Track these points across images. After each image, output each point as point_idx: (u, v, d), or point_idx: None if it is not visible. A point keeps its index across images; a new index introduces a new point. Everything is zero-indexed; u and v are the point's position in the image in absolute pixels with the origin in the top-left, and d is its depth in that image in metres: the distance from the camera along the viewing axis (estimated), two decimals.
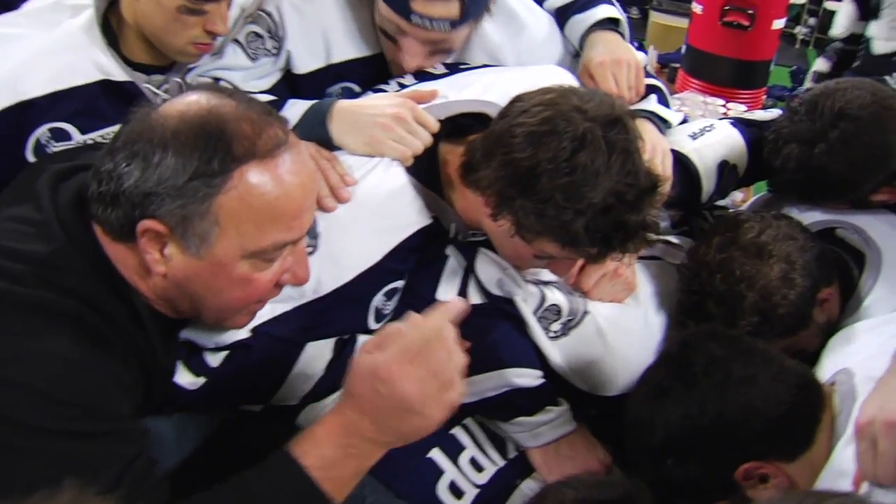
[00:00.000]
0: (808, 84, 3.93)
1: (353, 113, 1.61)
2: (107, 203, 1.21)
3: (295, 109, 1.64)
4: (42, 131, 1.61)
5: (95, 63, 1.66)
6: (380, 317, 1.61)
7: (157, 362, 1.34)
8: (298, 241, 1.30)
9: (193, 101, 1.21)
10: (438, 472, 1.65)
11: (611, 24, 1.99)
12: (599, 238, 1.43)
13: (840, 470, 1.27)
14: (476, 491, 1.64)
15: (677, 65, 4.45)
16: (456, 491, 1.64)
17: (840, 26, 3.69)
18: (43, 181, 1.30)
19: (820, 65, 3.78)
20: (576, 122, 1.40)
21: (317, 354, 1.56)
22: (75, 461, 1.12)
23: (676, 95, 3.72)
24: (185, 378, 1.48)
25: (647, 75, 2.05)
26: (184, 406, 1.52)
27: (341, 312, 1.56)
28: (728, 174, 2.04)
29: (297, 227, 1.27)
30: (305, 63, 1.87)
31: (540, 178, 1.40)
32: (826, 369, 1.53)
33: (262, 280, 1.29)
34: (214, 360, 1.49)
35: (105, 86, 1.70)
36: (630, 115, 1.49)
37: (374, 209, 1.55)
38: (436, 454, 1.65)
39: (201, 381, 1.48)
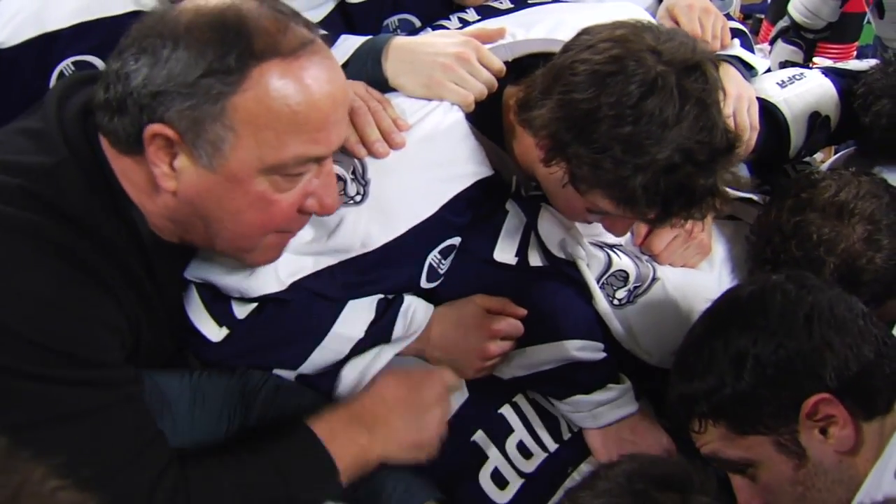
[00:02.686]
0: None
1: (410, 51, 1.49)
2: (114, 109, 1.13)
3: (346, 45, 1.53)
4: (66, 64, 1.53)
5: None
6: (434, 276, 1.51)
7: (160, 293, 1.26)
8: (325, 159, 1.20)
9: None
10: (482, 458, 1.53)
11: None
12: (659, 200, 1.31)
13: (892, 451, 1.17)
14: (521, 482, 1.52)
15: (762, 15, 4.27)
16: (499, 480, 1.52)
17: (811, 14, 3.18)
18: (52, 91, 1.22)
19: (790, 53, 3.30)
20: (647, 64, 1.27)
21: (357, 314, 1.47)
22: (51, 407, 1.08)
23: (758, 46, 3.50)
24: (207, 327, 1.39)
25: (731, 19, 1.96)
26: (204, 359, 1.44)
27: (391, 269, 1.46)
28: (819, 127, 1.92)
29: (323, 142, 1.16)
30: None
31: (599, 124, 1.27)
32: None
33: (284, 203, 1.18)
34: (241, 310, 1.39)
35: (136, 17, 1.57)
36: (712, 62, 1.35)
37: (429, 156, 1.44)
38: (480, 437, 1.54)
39: (224, 332, 1.39)
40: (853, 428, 1.23)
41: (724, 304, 1.38)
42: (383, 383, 1.37)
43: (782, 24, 3.18)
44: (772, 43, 3.30)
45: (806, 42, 3.19)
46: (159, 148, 1.11)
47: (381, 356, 1.49)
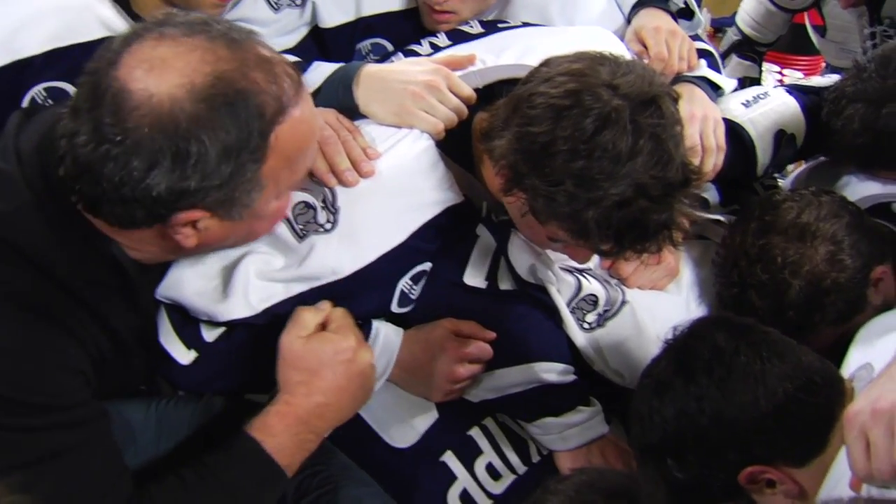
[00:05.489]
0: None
1: (381, 79, 1.49)
2: (118, 204, 1.09)
3: (319, 72, 1.53)
4: (37, 90, 1.51)
5: (100, 19, 1.55)
6: (405, 301, 1.52)
7: (144, 317, 1.30)
8: None
9: (182, 67, 1.06)
10: (451, 479, 1.54)
11: (662, 1, 1.91)
12: (612, 234, 1.31)
13: (840, 473, 1.18)
14: (490, 503, 1.53)
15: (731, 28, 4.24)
16: (468, 501, 1.53)
17: (760, 27, 3.09)
18: (9, 128, 1.19)
19: (746, 69, 3.21)
20: (602, 99, 1.27)
21: None
22: (19, 453, 1.09)
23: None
24: (176, 349, 1.40)
25: (698, 39, 1.98)
26: (175, 383, 1.45)
27: (363, 296, 1.46)
28: (786, 145, 1.94)
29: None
30: (333, 16, 1.78)
31: (554, 157, 1.27)
32: (851, 363, 1.44)
33: (286, 202, 1.27)
34: (210, 333, 1.41)
35: None
36: (670, 96, 1.35)
37: (399, 185, 1.44)
38: (449, 458, 1.55)
39: (193, 355, 1.40)
40: (791, 480, 1.26)
41: (656, 378, 1.38)
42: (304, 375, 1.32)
43: (734, 38, 3.14)
44: (724, 57, 3.19)
45: (759, 55, 3.16)
46: (185, 224, 1.12)
47: None
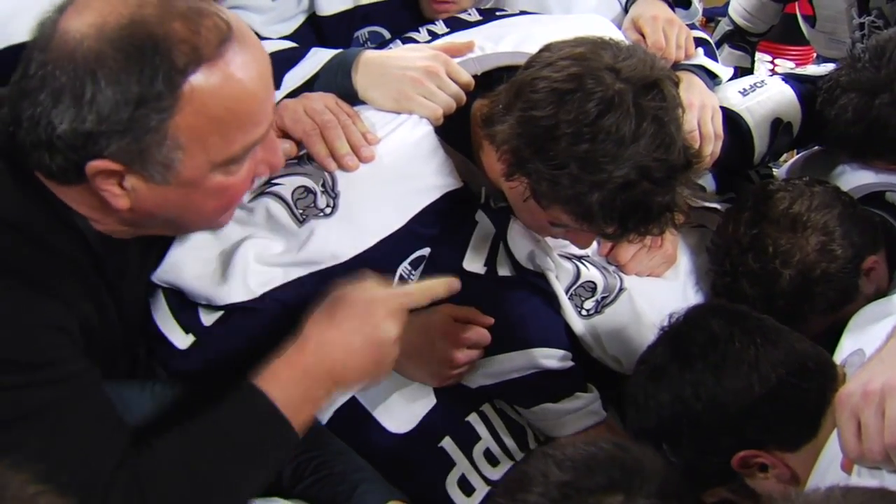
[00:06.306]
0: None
1: (381, 65, 1.50)
2: (41, 150, 1.07)
3: (317, 58, 1.53)
4: None
5: None
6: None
7: (112, 290, 1.24)
8: (266, 132, 1.18)
9: (102, 7, 1.03)
10: (449, 465, 1.54)
11: None
12: (616, 216, 1.32)
13: (831, 456, 1.19)
14: (488, 489, 1.53)
15: (723, 19, 4.23)
16: (466, 487, 1.53)
17: (752, 17, 3.06)
18: None
19: (738, 59, 3.15)
20: (605, 83, 1.28)
21: None
22: (6, 409, 1.06)
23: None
24: (174, 334, 1.39)
25: (694, 28, 1.98)
26: (172, 369, 1.43)
27: None
28: (782, 133, 1.95)
29: (263, 121, 1.15)
30: (331, 3, 1.77)
31: (557, 141, 1.28)
32: (844, 350, 1.46)
33: (238, 182, 1.18)
34: (208, 318, 1.40)
35: None
36: (671, 80, 1.36)
37: (398, 170, 1.45)
38: (448, 444, 1.55)
39: (190, 339, 1.39)
40: (783, 464, 1.28)
41: (652, 364, 1.40)
42: (321, 326, 1.26)
43: (726, 28, 3.14)
44: (716, 47, 3.20)
45: (751, 45, 3.16)
46: (105, 177, 1.08)
47: None
